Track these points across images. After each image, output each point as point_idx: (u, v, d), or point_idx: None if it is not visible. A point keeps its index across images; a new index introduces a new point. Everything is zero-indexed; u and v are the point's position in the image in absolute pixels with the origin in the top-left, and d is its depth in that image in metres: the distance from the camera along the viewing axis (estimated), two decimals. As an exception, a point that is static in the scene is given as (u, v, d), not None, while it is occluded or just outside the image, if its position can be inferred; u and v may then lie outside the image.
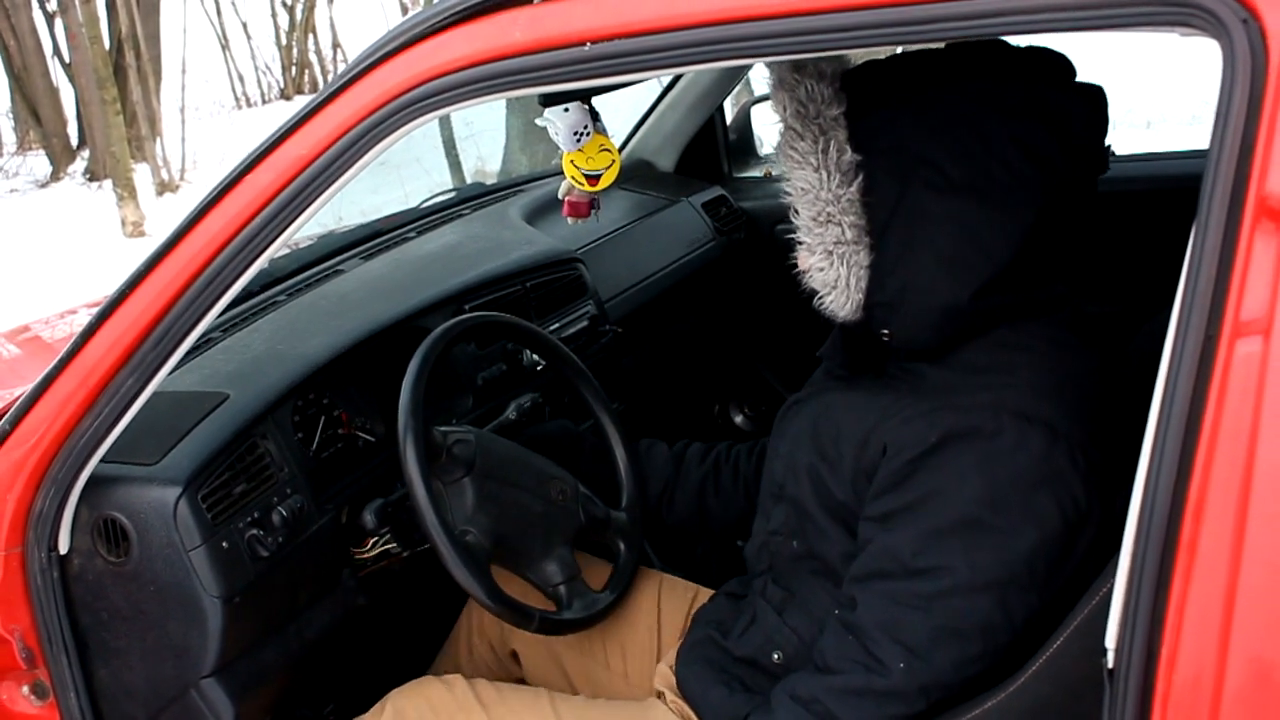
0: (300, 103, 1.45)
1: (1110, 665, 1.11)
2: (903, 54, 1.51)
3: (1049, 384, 1.45)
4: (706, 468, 2.07)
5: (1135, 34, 1.12)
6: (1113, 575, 1.20)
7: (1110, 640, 1.11)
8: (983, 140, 1.41)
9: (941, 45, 1.48)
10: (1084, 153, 1.46)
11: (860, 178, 1.45)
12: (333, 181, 1.44)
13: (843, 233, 1.46)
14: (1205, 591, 1.03)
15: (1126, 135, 8.09)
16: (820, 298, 1.52)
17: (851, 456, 1.52)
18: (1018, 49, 1.49)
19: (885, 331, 1.52)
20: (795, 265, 1.55)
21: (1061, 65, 1.49)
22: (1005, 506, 1.38)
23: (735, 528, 2.02)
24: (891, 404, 1.51)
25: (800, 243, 1.51)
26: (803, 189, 1.48)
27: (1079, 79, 1.50)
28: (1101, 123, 1.50)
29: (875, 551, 1.47)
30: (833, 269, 1.48)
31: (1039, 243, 1.45)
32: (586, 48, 1.28)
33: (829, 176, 1.45)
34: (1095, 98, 1.49)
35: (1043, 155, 1.42)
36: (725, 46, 1.22)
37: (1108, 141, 1.53)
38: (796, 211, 1.50)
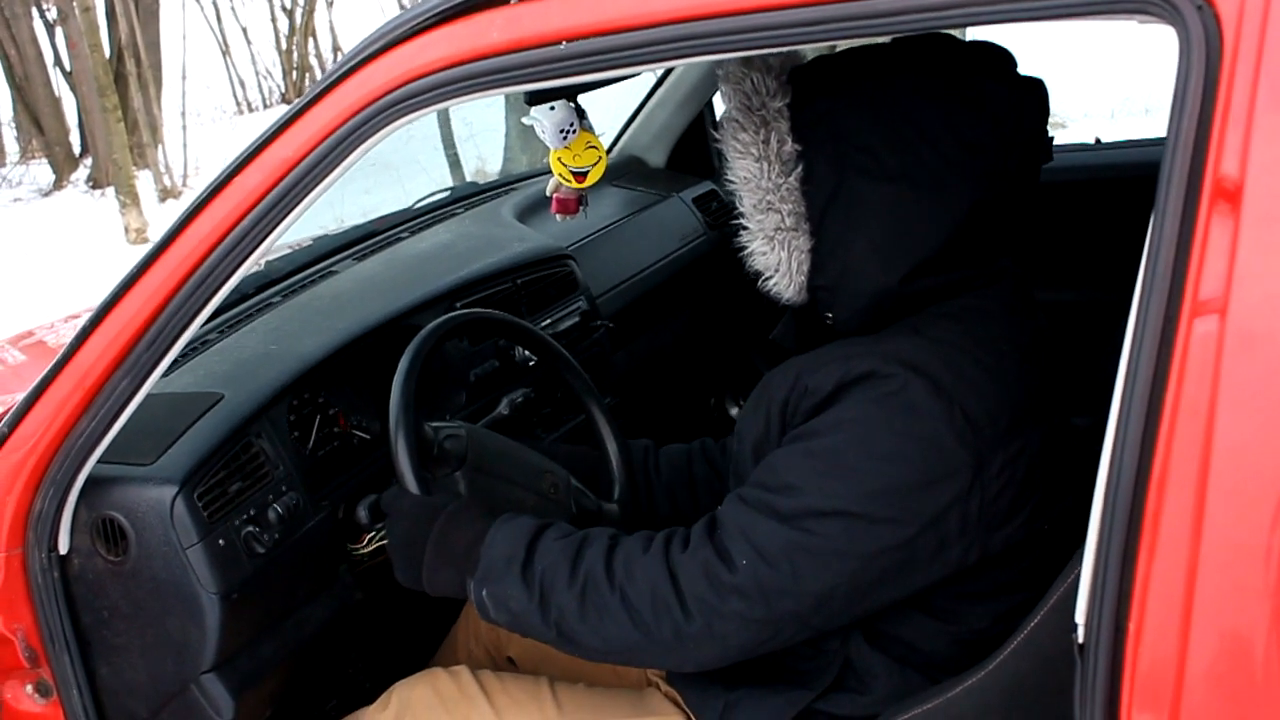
0: (300, 107, 1.49)
1: (1080, 640, 1.13)
2: (849, 49, 1.55)
3: (951, 345, 1.48)
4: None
5: (1094, 22, 1.14)
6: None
7: (1080, 615, 1.13)
8: (917, 128, 1.45)
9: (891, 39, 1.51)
10: (1019, 141, 1.50)
11: (800, 167, 1.50)
12: (319, 182, 1.47)
13: (782, 219, 1.51)
14: (1170, 565, 1.05)
15: (1125, 123, 8.08)
16: (764, 280, 1.57)
17: (778, 413, 1.56)
18: (960, 43, 1.52)
19: (829, 315, 1.57)
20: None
21: (1001, 58, 1.53)
22: (871, 444, 1.42)
23: None
24: (810, 358, 1.54)
25: (744, 228, 1.56)
26: (744, 178, 1.53)
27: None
28: (1040, 113, 1.53)
29: (761, 466, 1.52)
30: (774, 253, 1.54)
31: (973, 228, 1.49)
32: (562, 46, 1.30)
33: (769, 166, 1.50)
34: (1033, 89, 1.52)
35: (976, 143, 1.46)
36: (698, 42, 1.24)
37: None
38: (740, 198, 1.55)
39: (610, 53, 1.29)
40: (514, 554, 1.56)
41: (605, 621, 1.50)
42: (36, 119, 13.02)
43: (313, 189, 1.48)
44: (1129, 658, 1.09)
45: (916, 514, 1.41)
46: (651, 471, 2.09)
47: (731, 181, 1.55)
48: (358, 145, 1.44)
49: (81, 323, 1.61)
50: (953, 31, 1.57)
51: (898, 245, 1.48)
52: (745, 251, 1.57)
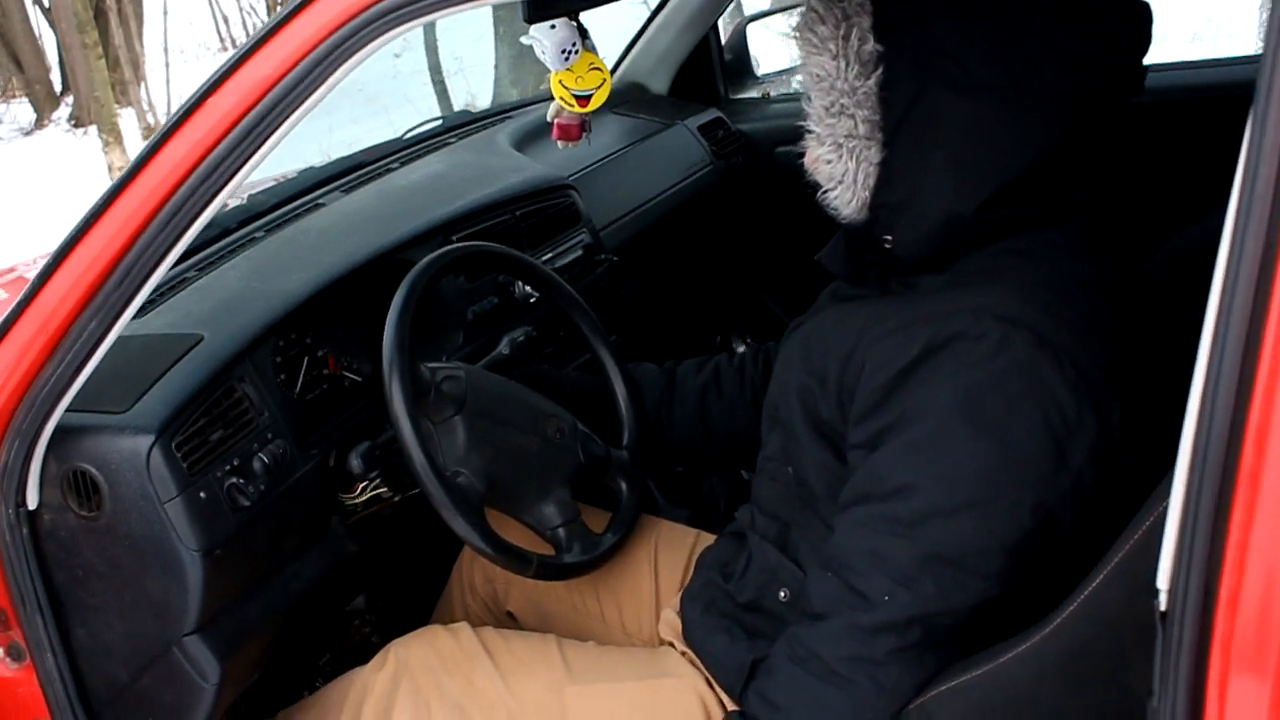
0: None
1: (1163, 607, 1.02)
2: None
3: (1040, 290, 1.35)
4: (705, 376, 2.01)
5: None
6: (1154, 509, 1.12)
7: (1163, 580, 1.02)
8: (1016, 43, 1.31)
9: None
10: (1123, 71, 1.37)
11: (880, 70, 1.36)
12: (300, 103, 1.36)
13: (855, 126, 1.38)
14: (1268, 523, 0.94)
15: (1208, 46, 7.93)
16: (824, 192, 1.45)
17: (836, 372, 1.44)
18: None
19: (888, 238, 1.44)
20: (797, 189, 1.48)
21: None
22: (985, 417, 1.29)
23: (744, 441, 1.93)
24: (878, 316, 1.43)
25: (810, 132, 1.43)
26: (818, 76, 1.39)
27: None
28: (1142, 39, 1.39)
29: (858, 477, 1.39)
30: (841, 163, 1.41)
31: (1058, 158, 1.36)
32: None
33: (847, 66, 1.37)
34: (1140, 12, 1.38)
35: (1079, 68, 1.32)
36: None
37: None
38: (809, 99, 1.42)
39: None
40: None
41: None
42: (16, 57, 12.90)
43: (293, 111, 1.36)
44: (1220, 627, 0.97)
45: (1052, 483, 1.29)
46: (674, 400, 2.02)
47: (802, 79, 1.42)
48: (341, 63, 1.33)
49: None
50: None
51: (978, 167, 1.34)
52: (808, 161, 1.45)
